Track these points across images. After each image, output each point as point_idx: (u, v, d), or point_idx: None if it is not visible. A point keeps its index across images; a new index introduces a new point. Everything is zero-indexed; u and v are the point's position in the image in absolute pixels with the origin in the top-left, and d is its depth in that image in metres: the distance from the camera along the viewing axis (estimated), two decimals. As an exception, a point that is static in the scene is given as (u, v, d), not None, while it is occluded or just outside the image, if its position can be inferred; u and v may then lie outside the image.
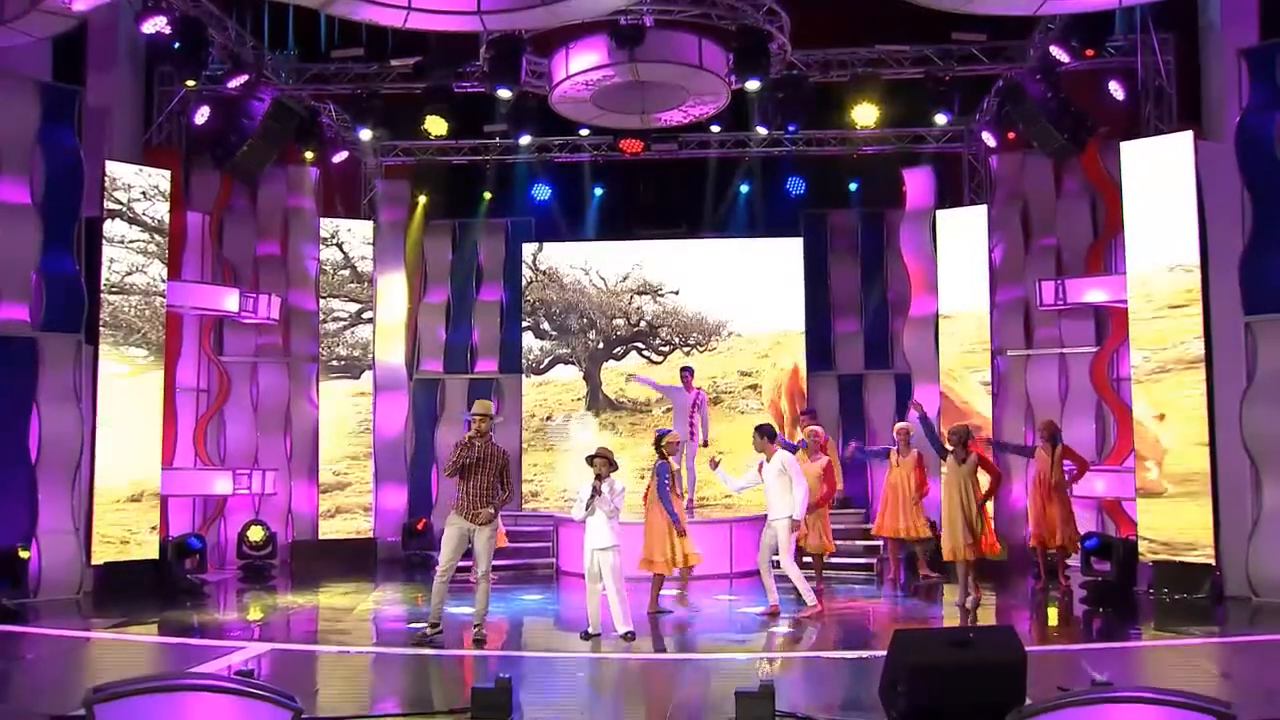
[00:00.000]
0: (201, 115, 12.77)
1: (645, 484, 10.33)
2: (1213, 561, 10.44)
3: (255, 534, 13.19)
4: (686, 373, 13.40)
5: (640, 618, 9.37)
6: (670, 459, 9.90)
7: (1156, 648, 8.75)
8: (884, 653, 5.99)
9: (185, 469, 13.23)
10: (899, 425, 12.13)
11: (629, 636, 8.63)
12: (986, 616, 10.10)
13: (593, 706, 7.04)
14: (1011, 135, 13.61)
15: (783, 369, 15.34)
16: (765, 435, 9.80)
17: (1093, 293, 12.97)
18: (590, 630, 8.80)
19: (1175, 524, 10.65)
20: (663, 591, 10.13)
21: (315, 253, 14.52)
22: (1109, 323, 13.12)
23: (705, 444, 12.96)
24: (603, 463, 8.81)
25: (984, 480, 10.26)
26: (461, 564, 11.89)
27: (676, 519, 9.85)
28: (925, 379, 14.35)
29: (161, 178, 12.18)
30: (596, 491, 8.68)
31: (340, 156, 14.66)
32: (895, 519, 11.73)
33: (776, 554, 9.77)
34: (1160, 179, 11.00)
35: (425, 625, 8.80)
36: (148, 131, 12.95)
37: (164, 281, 12.19)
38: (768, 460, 9.67)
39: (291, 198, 14.61)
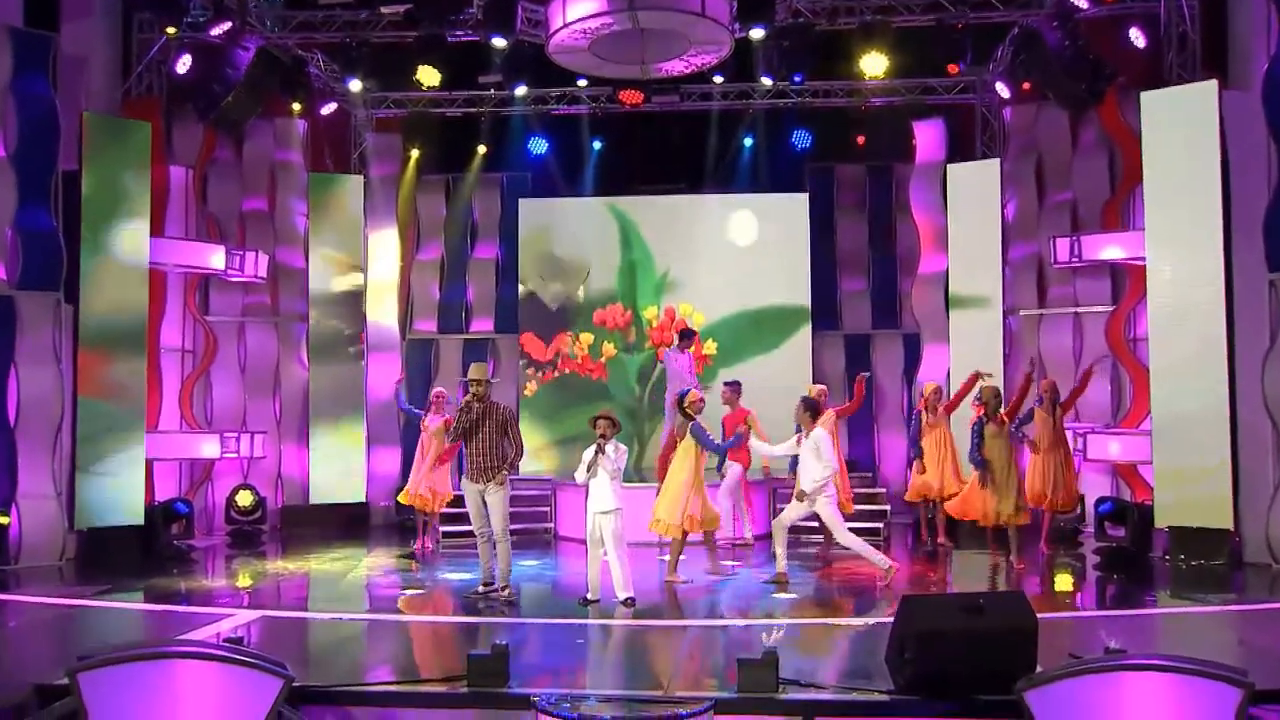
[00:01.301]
0: (183, 65, 12.61)
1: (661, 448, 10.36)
2: (1231, 527, 10.44)
3: (244, 498, 13.21)
4: (680, 336, 13.36)
5: (649, 587, 9.43)
6: (697, 418, 9.86)
7: (1172, 615, 8.77)
8: (891, 619, 6.00)
9: (171, 432, 13.22)
10: (930, 385, 12.08)
11: (629, 602, 8.64)
12: (996, 580, 10.13)
13: (592, 674, 7.05)
14: (1026, 85, 13.47)
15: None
16: (809, 410, 9.72)
17: (1109, 249, 12.89)
18: (590, 596, 8.82)
19: (1193, 488, 10.62)
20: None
21: (304, 208, 14.42)
22: (1126, 281, 13.06)
23: None
24: (606, 424, 8.80)
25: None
26: (461, 528, 12.04)
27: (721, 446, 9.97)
28: (935, 338, 14.31)
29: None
30: (600, 451, 8.68)
31: (329, 108, 14.50)
32: (934, 479, 11.69)
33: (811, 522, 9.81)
34: (1182, 130, 10.88)
35: (479, 587, 9.19)
36: (126, 81, 12.78)
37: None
38: (806, 435, 9.61)
39: (279, 151, 14.50)
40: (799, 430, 9.68)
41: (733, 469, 11.58)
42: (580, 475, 8.87)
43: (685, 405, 9.90)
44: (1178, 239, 10.93)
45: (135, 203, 11.85)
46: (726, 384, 12.04)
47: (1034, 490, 11.24)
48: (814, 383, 13.63)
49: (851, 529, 9.76)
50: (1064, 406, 11.28)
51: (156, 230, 12.45)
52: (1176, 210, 10.92)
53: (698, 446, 9.75)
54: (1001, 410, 10.63)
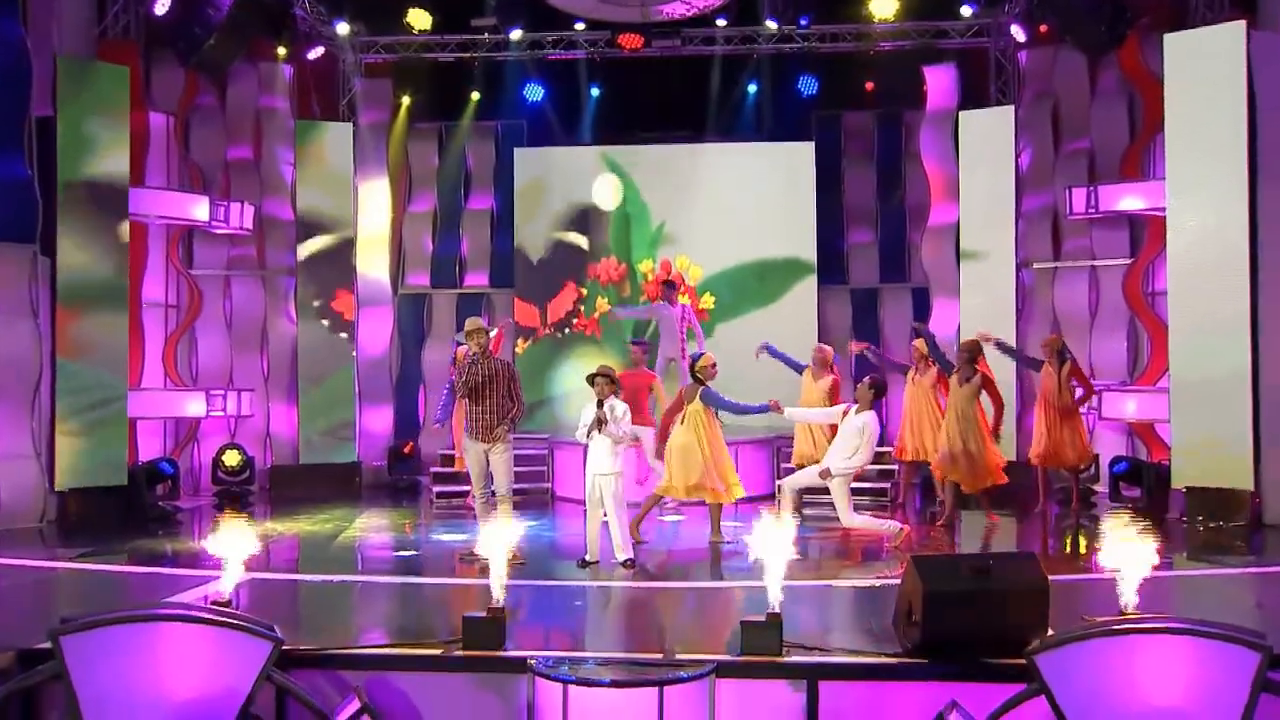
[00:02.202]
0: (162, 5, 12.42)
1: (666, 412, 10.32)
2: (1252, 487, 10.42)
3: (231, 458, 13.21)
4: (667, 287, 13.32)
5: (647, 549, 9.48)
6: (709, 384, 9.79)
7: (1188, 577, 8.78)
8: (898, 581, 6.00)
9: (154, 390, 13.20)
10: (917, 340, 12.04)
11: (628, 564, 8.67)
12: (1007, 542, 10.16)
13: (591, 636, 7.08)
14: (1043, 28, 13.34)
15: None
16: (874, 388, 9.63)
17: (1128, 200, 12.80)
18: (588, 558, 8.83)
19: (1212, 447, 10.59)
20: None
21: (290, 157, 14.30)
22: (1144, 233, 12.98)
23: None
24: (604, 382, 8.75)
25: (987, 406, 10.38)
26: (456, 488, 12.03)
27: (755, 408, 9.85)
28: (944, 293, 14.25)
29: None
30: (602, 420, 8.65)
31: (316, 53, 14.35)
32: (915, 440, 11.69)
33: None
34: (1207, 74, 10.74)
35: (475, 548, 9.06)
36: (102, 22, 12.57)
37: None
38: (857, 412, 9.56)
39: (264, 97, 14.33)
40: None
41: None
42: (580, 435, 8.85)
43: (697, 370, 9.80)
44: (1200, 189, 10.83)
45: (114, 151, 11.73)
46: (634, 342, 11.89)
47: (1039, 448, 11.22)
48: (820, 339, 13.66)
49: (856, 489, 9.81)
50: (1073, 370, 11.28)
51: (136, 180, 12.36)
52: (1200, 158, 10.81)
53: (706, 413, 9.68)
54: (978, 359, 10.53)
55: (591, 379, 8.84)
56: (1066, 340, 11.71)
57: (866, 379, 9.72)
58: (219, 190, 14.02)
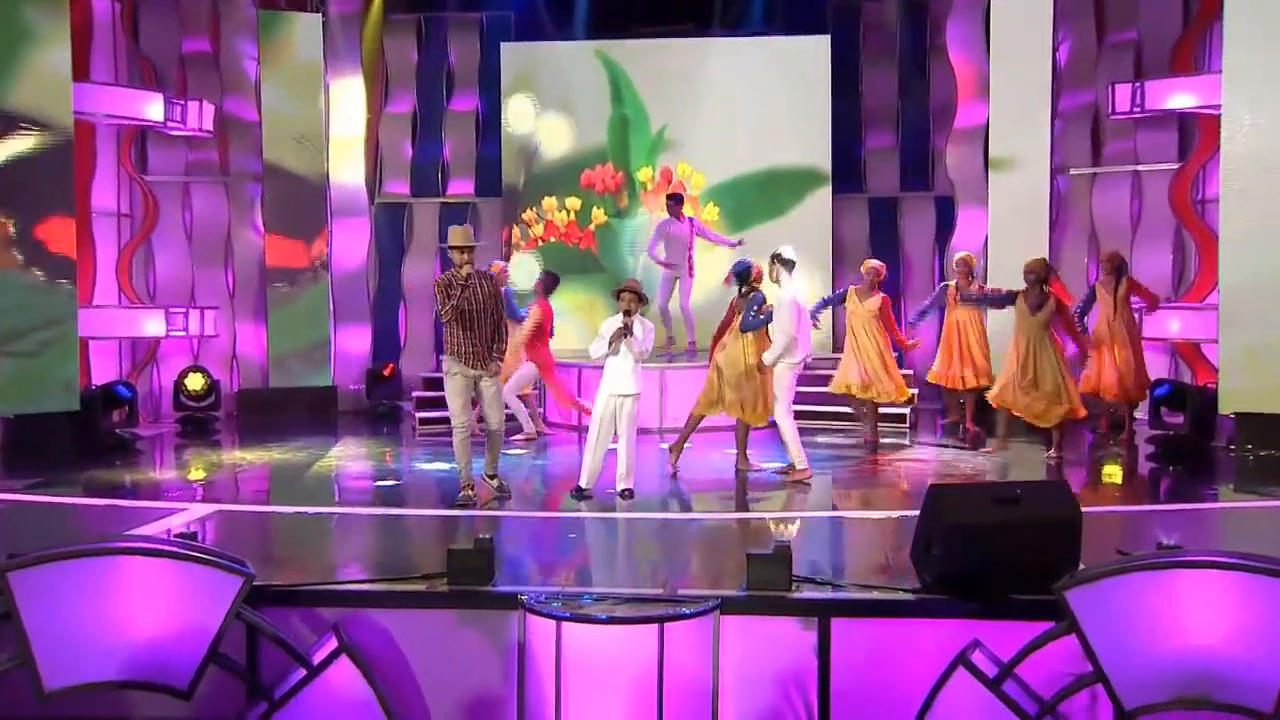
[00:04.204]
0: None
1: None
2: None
3: (194, 382, 13.23)
4: (674, 201, 13.21)
5: (649, 478, 9.51)
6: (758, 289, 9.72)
7: (1235, 509, 8.83)
8: (917, 512, 6.01)
9: (108, 307, 13.17)
10: (960, 255, 11.94)
11: (627, 494, 8.69)
12: (1038, 472, 10.19)
13: (586, 571, 7.12)
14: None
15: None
16: (783, 265, 9.57)
17: (1178, 97, 12.61)
18: (583, 485, 8.81)
19: (1264, 369, 10.57)
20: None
21: (253, 51, 14.08)
22: (1195, 133, 12.82)
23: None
24: (630, 297, 8.70)
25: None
26: (439, 413, 11.99)
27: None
28: (971, 202, 14.12)
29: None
30: (627, 329, 8.62)
31: (278, -68, 14.09)
32: (961, 365, 11.63)
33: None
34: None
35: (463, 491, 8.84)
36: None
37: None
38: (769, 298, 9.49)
39: (220, -17, 14.12)
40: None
41: (526, 368, 11.66)
42: (597, 350, 8.78)
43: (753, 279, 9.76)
44: (1262, 82, 10.62)
45: (52, 40, 11.35)
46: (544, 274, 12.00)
47: (1104, 379, 11.12)
48: (834, 253, 13.56)
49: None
50: (1131, 286, 11.19)
51: (80, 74, 12.08)
52: (1262, 47, 10.60)
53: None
54: (1049, 290, 10.32)
55: (619, 292, 8.80)
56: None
57: (772, 258, 9.61)
58: (174, 87, 13.85)
